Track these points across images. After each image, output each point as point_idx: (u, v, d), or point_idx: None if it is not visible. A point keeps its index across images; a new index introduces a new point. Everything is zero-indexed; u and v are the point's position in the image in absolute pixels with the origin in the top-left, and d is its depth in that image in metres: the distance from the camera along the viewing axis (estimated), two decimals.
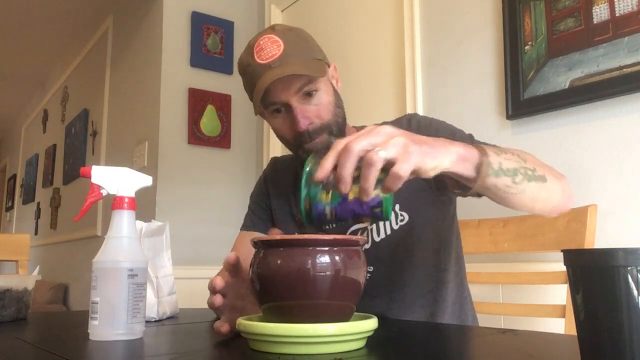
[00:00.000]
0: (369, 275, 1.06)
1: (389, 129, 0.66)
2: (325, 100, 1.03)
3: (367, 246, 1.06)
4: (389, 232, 1.05)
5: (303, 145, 1.03)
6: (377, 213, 0.68)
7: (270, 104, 1.02)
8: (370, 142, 0.64)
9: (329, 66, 1.07)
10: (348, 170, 0.64)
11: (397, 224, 1.05)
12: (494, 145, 0.82)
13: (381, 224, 1.05)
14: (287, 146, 1.09)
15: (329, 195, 0.66)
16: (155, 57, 2.69)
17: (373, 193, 0.65)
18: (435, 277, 1.07)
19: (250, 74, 1.03)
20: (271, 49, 1.00)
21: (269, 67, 0.99)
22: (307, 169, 0.68)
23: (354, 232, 1.07)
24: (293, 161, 1.22)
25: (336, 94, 1.07)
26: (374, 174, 0.63)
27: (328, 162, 0.65)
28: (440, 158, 0.69)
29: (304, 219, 0.69)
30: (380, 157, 0.63)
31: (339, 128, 1.04)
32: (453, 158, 0.70)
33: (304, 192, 0.67)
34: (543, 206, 0.86)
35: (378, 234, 1.06)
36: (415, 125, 1.07)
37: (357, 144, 0.64)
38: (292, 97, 1.00)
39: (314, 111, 1.01)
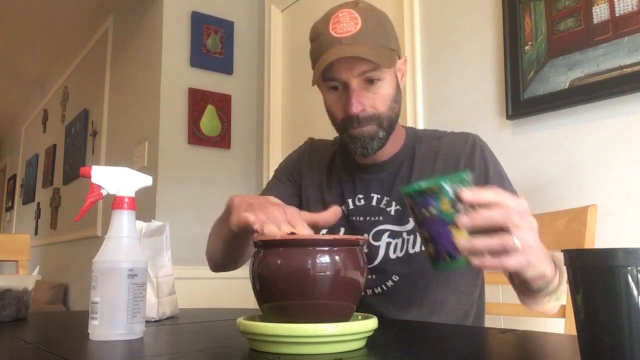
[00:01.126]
0: (392, 283, 1.04)
1: (535, 223, 0.69)
2: (385, 92, 1.01)
3: (399, 254, 1.04)
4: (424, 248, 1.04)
5: (349, 129, 1.01)
6: (440, 257, 0.67)
7: (330, 79, 1.00)
8: (518, 224, 0.65)
9: (399, 58, 1.05)
10: (482, 222, 0.64)
11: None
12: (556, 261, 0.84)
13: (419, 237, 1.03)
14: (334, 125, 1.06)
15: (447, 206, 0.65)
16: (155, 57, 2.69)
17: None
18: (456, 301, 1.06)
19: (320, 44, 1.00)
20: (348, 24, 0.97)
21: (340, 42, 0.96)
22: (465, 177, 0.66)
23: (381, 232, 1.06)
24: (331, 146, 1.20)
25: (397, 88, 1.05)
26: (490, 248, 0.64)
27: (480, 198, 0.65)
28: (530, 272, 0.71)
29: (408, 188, 0.68)
30: (514, 248, 0.65)
31: (390, 123, 1.03)
32: (538, 275, 0.74)
33: (442, 179, 0.65)
34: (537, 309, 0.93)
35: (413, 247, 1.03)
36: (478, 154, 1.06)
37: (513, 217, 0.65)
38: (353, 79, 0.98)
39: (370, 99, 1.00)
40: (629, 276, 0.45)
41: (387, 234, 1.05)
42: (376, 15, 1.02)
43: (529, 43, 1.55)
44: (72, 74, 4.48)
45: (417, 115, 1.89)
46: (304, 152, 1.22)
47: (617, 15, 1.36)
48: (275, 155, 2.68)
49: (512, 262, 0.65)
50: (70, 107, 4.41)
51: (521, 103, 1.55)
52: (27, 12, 3.86)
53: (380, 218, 1.06)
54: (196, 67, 2.67)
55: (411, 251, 1.03)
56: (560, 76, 1.46)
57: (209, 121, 2.66)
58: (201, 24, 2.70)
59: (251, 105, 2.83)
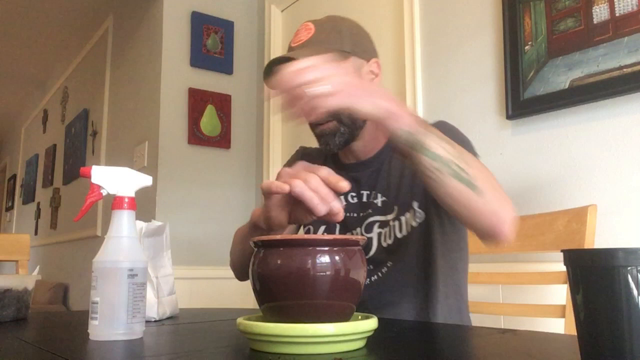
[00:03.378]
0: (385, 269, 1.09)
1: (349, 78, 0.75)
2: None
3: (389, 242, 1.08)
4: (409, 229, 1.07)
5: (313, 129, 1.09)
6: None
7: None
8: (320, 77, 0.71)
9: (367, 61, 1.10)
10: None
11: (415, 222, 1.07)
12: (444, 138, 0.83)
13: (403, 221, 1.08)
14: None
15: None
16: (155, 57, 2.69)
17: None
18: (446, 275, 1.09)
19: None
20: (302, 34, 1.07)
21: (291, 49, 1.06)
22: None
23: (371, 224, 1.10)
24: (322, 151, 1.23)
25: None
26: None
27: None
28: (366, 108, 0.74)
29: None
30: (324, 93, 0.70)
31: (350, 119, 1.07)
32: (384, 114, 0.75)
33: None
34: (466, 216, 0.84)
35: (400, 231, 1.08)
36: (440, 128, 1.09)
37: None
38: None
39: None
40: (629, 276, 0.45)
41: (377, 224, 1.10)
42: (332, 23, 1.09)
43: (529, 43, 1.55)
44: (72, 74, 4.48)
45: None
46: (297, 159, 1.28)
47: (617, 15, 1.36)
48: (275, 156, 2.68)
49: (330, 102, 0.70)
50: (70, 107, 4.41)
51: (521, 103, 1.55)
52: (27, 12, 3.86)
53: (370, 211, 1.11)
54: (196, 67, 2.67)
55: (399, 235, 1.08)
56: (560, 76, 1.46)
57: (209, 121, 2.66)
58: (201, 24, 2.70)
59: (251, 105, 2.83)
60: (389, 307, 1.07)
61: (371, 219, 1.10)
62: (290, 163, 1.29)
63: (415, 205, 1.07)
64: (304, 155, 1.29)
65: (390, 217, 1.09)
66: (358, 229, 1.12)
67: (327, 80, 0.70)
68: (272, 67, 1.06)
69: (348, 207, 1.14)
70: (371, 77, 1.11)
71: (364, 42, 1.12)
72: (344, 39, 1.08)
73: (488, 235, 0.87)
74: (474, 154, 1.06)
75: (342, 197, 1.14)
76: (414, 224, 1.07)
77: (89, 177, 0.78)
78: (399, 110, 0.76)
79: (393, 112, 0.75)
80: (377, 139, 1.13)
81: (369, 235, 1.10)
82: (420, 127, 0.78)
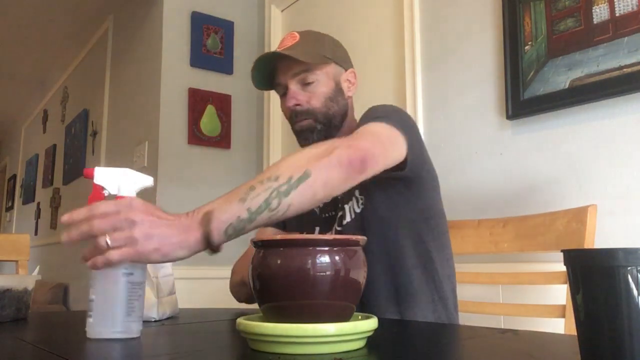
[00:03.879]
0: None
1: (140, 217, 0.72)
2: (319, 91, 1.14)
3: (357, 210, 1.14)
4: (354, 215, 1.13)
5: (293, 126, 1.17)
6: None
7: (276, 85, 1.17)
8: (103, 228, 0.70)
9: (345, 70, 1.19)
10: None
11: (359, 207, 1.12)
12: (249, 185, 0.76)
13: (347, 208, 1.13)
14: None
15: None
16: (155, 57, 2.69)
17: None
18: (393, 254, 1.10)
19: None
20: (288, 40, 1.16)
21: (275, 51, 1.14)
22: None
23: (328, 219, 1.17)
24: None
25: (336, 91, 1.16)
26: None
27: None
28: (171, 254, 0.70)
29: None
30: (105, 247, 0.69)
31: (327, 118, 1.14)
32: (191, 246, 0.72)
33: None
34: (330, 190, 0.81)
35: (344, 218, 1.14)
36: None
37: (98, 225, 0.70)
38: (290, 80, 1.14)
39: (305, 96, 1.13)
40: (629, 276, 0.45)
41: (347, 209, 1.15)
42: (314, 34, 1.19)
43: (529, 43, 1.55)
44: (72, 74, 4.48)
45: (417, 115, 1.89)
46: None
47: (617, 15, 1.36)
48: (276, 156, 2.68)
49: (114, 256, 0.68)
50: (70, 107, 4.41)
51: (521, 103, 1.55)
52: (27, 12, 3.86)
53: (340, 205, 1.16)
54: (196, 67, 2.67)
55: (344, 223, 1.13)
56: (560, 76, 1.46)
57: (209, 121, 2.66)
58: (201, 24, 2.70)
59: (251, 105, 2.83)
60: None
61: (341, 212, 1.15)
62: None
63: (356, 192, 1.12)
64: None
65: (352, 194, 1.14)
66: (335, 226, 1.16)
67: (126, 234, 0.67)
68: (258, 66, 1.14)
69: (324, 209, 1.19)
70: (348, 85, 1.19)
71: (342, 53, 1.21)
72: (325, 47, 1.17)
73: (363, 173, 0.86)
74: (399, 120, 1.03)
75: None
76: (358, 209, 1.12)
77: (92, 178, 0.78)
78: (205, 227, 0.71)
79: (204, 233, 0.71)
80: None
81: (340, 228, 1.15)
82: (223, 211, 0.72)
